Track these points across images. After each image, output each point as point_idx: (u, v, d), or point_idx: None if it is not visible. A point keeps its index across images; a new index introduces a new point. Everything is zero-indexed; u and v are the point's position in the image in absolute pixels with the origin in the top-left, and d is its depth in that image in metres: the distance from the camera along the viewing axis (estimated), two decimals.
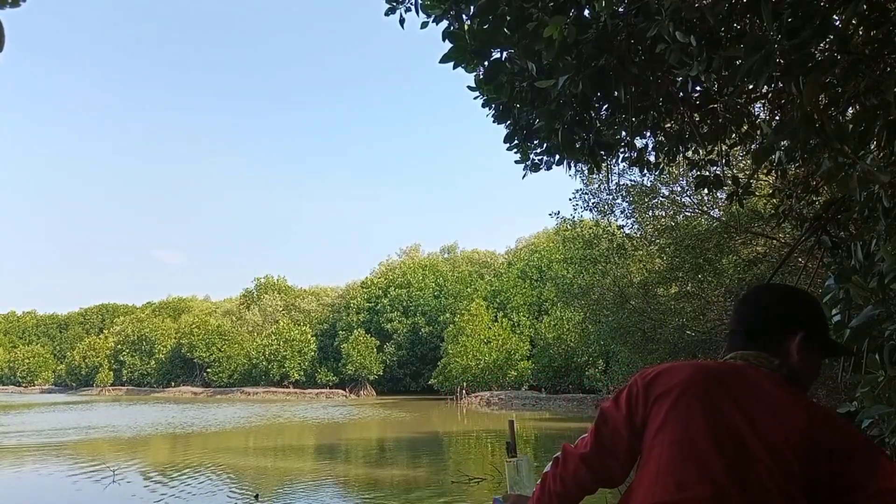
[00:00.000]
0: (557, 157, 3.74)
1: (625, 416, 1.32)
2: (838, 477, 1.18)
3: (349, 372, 58.62)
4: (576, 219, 14.82)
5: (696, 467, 1.17)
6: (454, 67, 2.97)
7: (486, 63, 3.00)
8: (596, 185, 12.59)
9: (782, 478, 1.15)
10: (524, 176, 3.91)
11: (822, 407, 1.30)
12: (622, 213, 12.98)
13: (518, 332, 50.16)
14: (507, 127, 3.61)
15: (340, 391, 60.25)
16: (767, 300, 1.44)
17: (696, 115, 3.61)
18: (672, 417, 1.24)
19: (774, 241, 9.76)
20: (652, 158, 4.25)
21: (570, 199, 13.42)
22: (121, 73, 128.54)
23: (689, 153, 4.25)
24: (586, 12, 2.65)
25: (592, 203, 13.16)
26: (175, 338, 71.38)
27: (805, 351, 1.33)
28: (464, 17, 3.08)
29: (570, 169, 3.83)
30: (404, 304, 60.02)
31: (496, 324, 50.48)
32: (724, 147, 4.11)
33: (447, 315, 54.93)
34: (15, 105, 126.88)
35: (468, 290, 56.25)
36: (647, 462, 1.25)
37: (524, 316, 51.43)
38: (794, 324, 1.35)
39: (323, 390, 60.89)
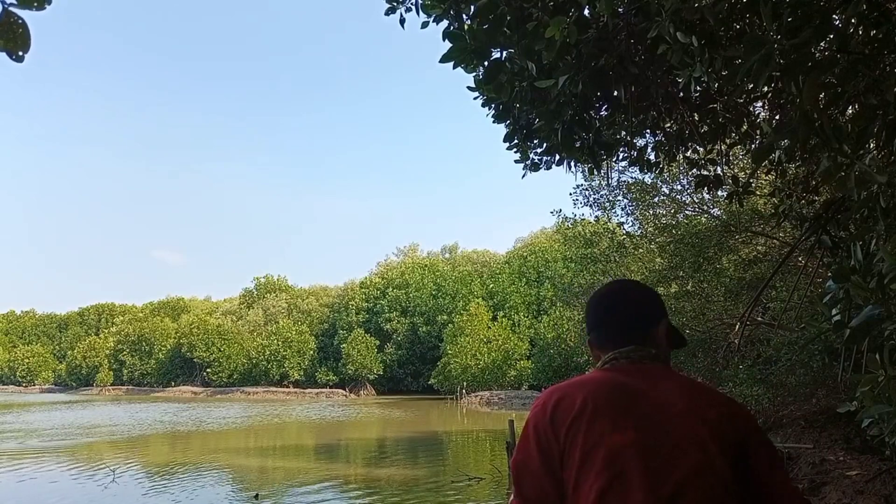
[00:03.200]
0: (557, 156, 3.74)
1: (540, 467, 1.22)
2: (742, 462, 1.20)
3: (349, 372, 58.64)
4: (577, 217, 14.82)
5: (631, 493, 1.11)
6: (454, 67, 2.97)
7: (485, 63, 3.00)
8: (597, 182, 12.59)
9: (712, 475, 1.15)
10: (524, 175, 3.91)
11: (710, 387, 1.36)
12: (623, 210, 12.99)
13: (517, 331, 50.16)
14: (506, 126, 3.61)
15: (340, 391, 60.26)
16: (635, 295, 1.44)
17: (696, 114, 3.61)
18: (590, 447, 1.16)
19: (774, 241, 9.76)
20: (652, 158, 4.25)
21: (570, 194, 13.43)
22: (124, 74, 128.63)
23: (689, 153, 4.26)
24: (586, 12, 2.65)
25: (593, 199, 13.18)
26: (175, 337, 71.36)
27: (668, 335, 1.39)
28: (464, 16, 3.08)
29: (569, 169, 3.83)
30: (403, 304, 60.03)
31: (495, 323, 50.49)
32: (723, 146, 4.11)
33: (446, 315, 54.96)
34: (15, 105, 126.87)
35: (467, 289, 56.26)
36: (577, 499, 1.16)
37: (523, 315, 51.44)
38: (659, 313, 1.40)
39: (323, 390, 60.89)
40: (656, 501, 1.10)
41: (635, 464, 1.14)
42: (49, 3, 1.36)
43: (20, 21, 1.34)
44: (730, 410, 1.26)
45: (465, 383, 48.58)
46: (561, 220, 15.46)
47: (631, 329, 1.37)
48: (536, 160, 3.80)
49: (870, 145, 2.41)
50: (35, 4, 1.35)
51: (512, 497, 1.29)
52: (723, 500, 1.14)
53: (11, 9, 1.33)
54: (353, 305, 63.31)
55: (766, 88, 3.06)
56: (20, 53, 1.37)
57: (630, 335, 1.36)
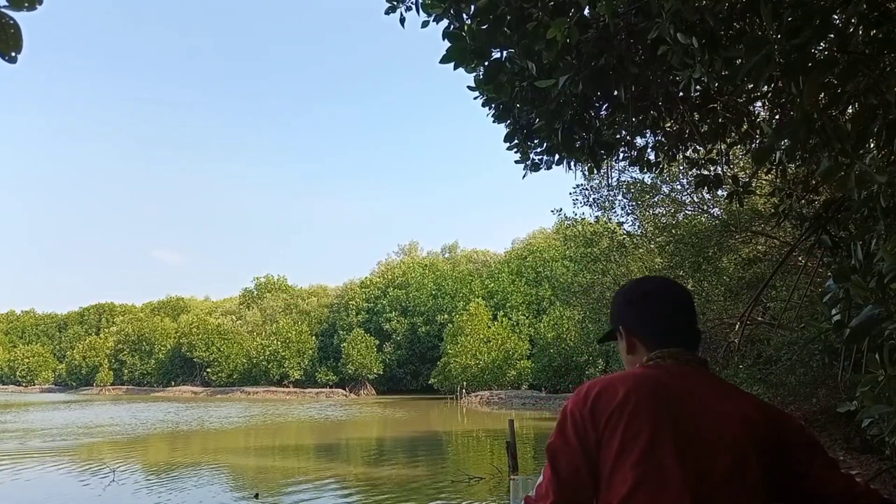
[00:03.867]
0: (557, 156, 3.74)
1: (578, 449, 1.23)
2: (786, 466, 1.24)
3: (349, 371, 58.67)
4: (577, 216, 14.82)
5: (665, 488, 1.14)
6: (454, 68, 2.97)
7: (486, 63, 3.00)
8: (596, 181, 12.59)
9: (745, 478, 1.18)
10: (524, 175, 3.91)
11: (757, 398, 1.35)
12: (623, 209, 12.99)
13: (517, 331, 50.18)
14: (507, 126, 3.62)
15: (340, 390, 60.28)
16: (689, 299, 1.43)
17: (696, 114, 3.61)
18: (629, 438, 1.18)
19: (774, 241, 9.76)
20: (652, 158, 4.25)
21: (570, 194, 13.44)
22: (123, 74, 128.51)
23: (689, 152, 4.26)
24: (587, 12, 2.65)
25: (593, 199, 13.17)
26: (175, 337, 71.41)
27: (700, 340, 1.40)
28: (464, 16, 3.08)
29: (569, 168, 3.83)
30: (403, 303, 60.06)
31: (495, 323, 50.51)
32: (723, 146, 4.12)
33: (446, 315, 54.99)
34: (14, 104, 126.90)
35: (467, 289, 56.28)
36: (610, 487, 1.19)
37: (523, 315, 51.45)
38: (694, 316, 1.40)
39: (323, 390, 60.91)
40: (691, 500, 1.13)
41: (671, 461, 1.15)
42: (40, 3, 1.35)
43: (12, 22, 1.33)
44: (770, 414, 1.28)
45: (465, 383, 48.60)
46: (561, 219, 15.49)
47: (685, 333, 1.38)
48: (537, 160, 3.80)
49: (870, 145, 2.41)
50: (26, 5, 1.34)
51: (541, 479, 1.30)
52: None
53: (3, 10, 1.32)
54: (353, 305, 63.34)
55: (766, 88, 3.06)
56: (13, 54, 1.36)
57: (683, 338, 1.37)
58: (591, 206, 13.36)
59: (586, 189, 13.17)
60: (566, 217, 14.81)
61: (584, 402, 1.25)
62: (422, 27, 3.20)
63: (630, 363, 1.43)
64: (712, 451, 1.18)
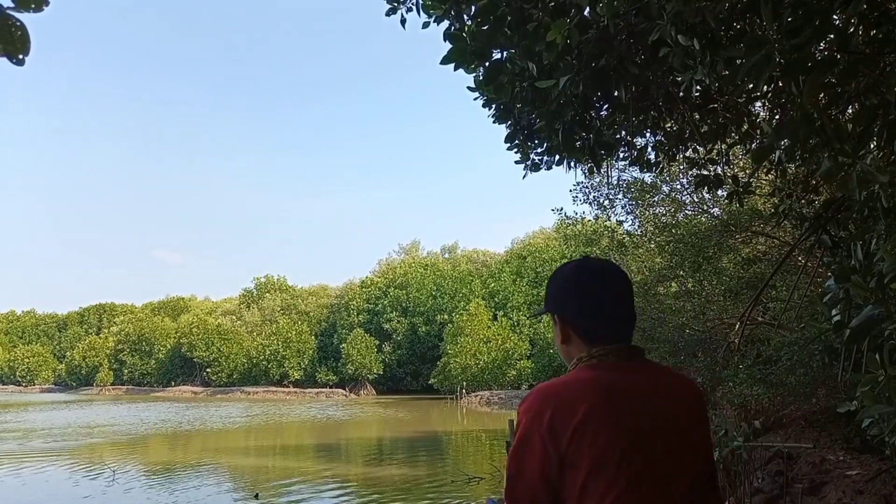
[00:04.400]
0: (557, 157, 3.74)
1: (536, 471, 1.15)
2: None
3: (349, 371, 58.66)
4: (578, 216, 14.80)
5: (643, 498, 1.13)
6: (455, 69, 2.98)
7: (486, 64, 3.01)
8: (597, 181, 12.58)
9: (706, 473, 1.25)
10: (524, 176, 3.92)
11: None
12: (623, 208, 12.97)
13: (517, 331, 50.17)
14: (507, 127, 3.62)
15: (340, 390, 60.28)
16: (629, 285, 1.34)
17: (696, 114, 3.61)
18: (597, 455, 1.12)
19: (774, 241, 9.76)
20: (652, 158, 4.26)
21: (570, 191, 13.43)
22: (122, 74, 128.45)
23: (689, 152, 4.26)
24: (587, 13, 2.65)
25: (593, 197, 13.16)
26: (175, 337, 71.40)
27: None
28: (465, 17, 3.08)
29: (569, 169, 3.84)
30: (403, 304, 60.06)
31: (495, 323, 50.50)
32: (723, 146, 4.12)
33: (446, 315, 54.98)
34: (12, 103, 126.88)
35: (467, 289, 56.26)
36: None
37: (523, 315, 51.45)
38: (633, 301, 1.34)
39: (323, 390, 60.90)
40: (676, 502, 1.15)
41: (646, 469, 1.14)
42: (47, 4, 1.35)
43: (18, 24, 1.33)
44: (699, 392, 1.32)
45: (465, 383, 48.59)
46: (562, 218, 15.46)
47: (625, 323, 1.31)
48: (537, 160, 3.80)
49: (870, 145, 2.41)
50: (33, 6, 1.33)
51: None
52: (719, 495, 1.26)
53: (9, 11, 1.31)
54: (353, 305, 63.32)
55: (766, 88, 3.06)
56: (20, 56, 1.36)
57: (623, 331, 1.30)
58: (590, 204, 13.35)
59: (586, 187, 13.15)
60: (567, 217, 14.78)
61: (540, 422, 1.16)
62: (422, 28, 3.21)
63: (564, 353, 1.38)
64: (682, 452, 1.19)
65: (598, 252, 14.75)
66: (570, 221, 15.16)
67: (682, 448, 1.19)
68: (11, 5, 1.31)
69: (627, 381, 1.21)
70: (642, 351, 1.31)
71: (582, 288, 1.32)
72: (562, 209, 14.02)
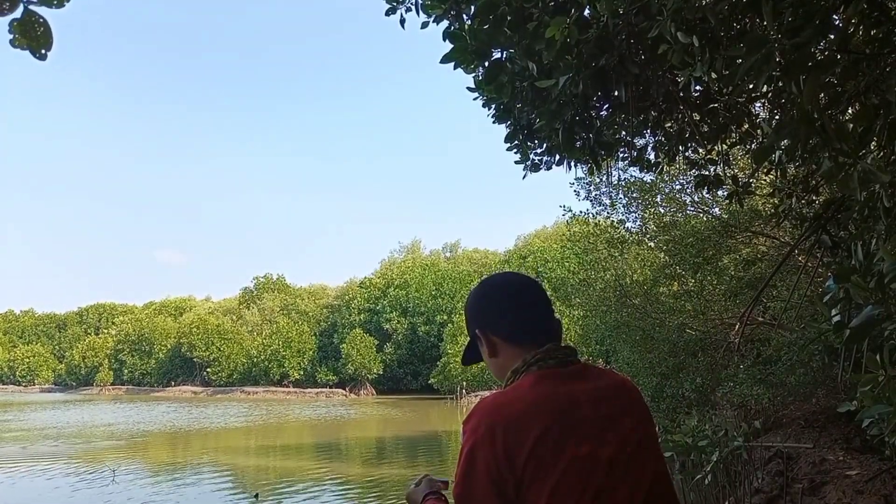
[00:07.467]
0: (557, 156, 3.74)
1: (491, 493, 1.09)
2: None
3: (349, 371, 58.68)
4: (582, 214, 14.81)
5: None
6: (455, 68, 2.97)
7: (486, 63, 3.00)
8: (598, 179, 12.59)
9: (668, 474, 1.25)
10: (524, 176, 3.91)
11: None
12: (623, 207, 12.97)
13: None
14: (507, 127, 3.61)
15: (340, 390, 60.29)
16: (541, 288, 1.36)
17: (696, 114, 3.61)
18: (561, 469, 1.09)
19: (775, 241, 9.76)
20: (652, 158, 4.26)
21: (570, 185, 13.45)
22: (122, 74, 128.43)
23: (689, 152, 4.26)
24: (587, 12, 2.65)
25: (593, 195, 13.16)
26: (175, 337, 71.41)
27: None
28: (464, 16, 3.08)
29: (570, 169, 3.83)
30: (403, 304, 60.07)
31: None
32: (724, 146, 4.12)
33: (445, 315, 54.98)
34: (12, 102, 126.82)
35: (467, 289, 56.21)
36: None
37: None
38: (551, 305, 1.36)
39: (323, 389, 60.92)
40: None
41: (608, 479, 1.12)
42: (68, 0, 1.38)
43: (41, 20, 1.35)
44: (637, 390, 1.32)
45: (464, 383, 48.60)
46: (566, 214, 15.47)
47: (549, 323, 1.32)
48: (536, 160, 3.80)
49: (870, 145, 2.41)
50: (55, 3, 1.36)
51: None
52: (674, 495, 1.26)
53: (32, 7, 1.34)
54: (354, 305, 63.34)
55: (766, 88, 3.05)
56: (43, 52, 1.38)
57: (549, 331, 1.30)
58: (591, 202, 13.37)
59: (587, 183, 13.14)
60: (573, 215, 14.79)
61: (492, 444, 1.10)
62: (421, 28, 3.20)
63: (496, 367, 1.33)
64: (638, 456, 1.19)
65: (601, 249, 14.74)
66: (569, 219, 15.13)
67: (637, 454, 1.19)
68: (34, 1, 1.34)
69: (574, 394, 1.18)
70: (575, 351, 1.29)
71: (495, 296, 1.34)
72: (570, 209, 14.01)
